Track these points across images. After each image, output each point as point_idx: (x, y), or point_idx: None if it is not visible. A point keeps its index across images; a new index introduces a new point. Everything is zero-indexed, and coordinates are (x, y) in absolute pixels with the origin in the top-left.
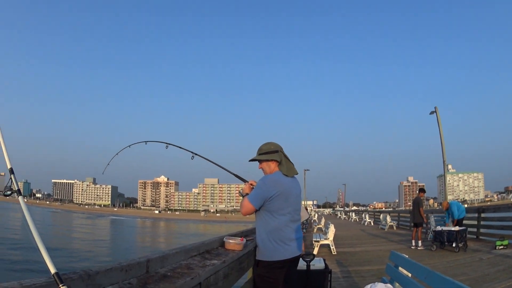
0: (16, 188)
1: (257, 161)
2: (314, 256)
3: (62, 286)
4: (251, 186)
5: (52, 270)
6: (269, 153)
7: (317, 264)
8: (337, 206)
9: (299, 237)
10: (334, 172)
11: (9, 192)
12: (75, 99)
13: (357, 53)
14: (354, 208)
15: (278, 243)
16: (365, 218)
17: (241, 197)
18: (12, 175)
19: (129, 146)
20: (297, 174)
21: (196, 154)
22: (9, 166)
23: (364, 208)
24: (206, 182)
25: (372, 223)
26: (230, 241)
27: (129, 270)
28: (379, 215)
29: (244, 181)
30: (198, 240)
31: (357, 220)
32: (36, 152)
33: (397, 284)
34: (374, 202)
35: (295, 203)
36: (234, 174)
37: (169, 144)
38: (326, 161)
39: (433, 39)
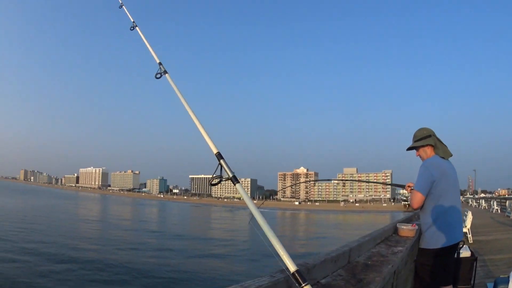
0: (231, 175)
1: (413, 149)
2: (464, 243)
3: (305, 285)
4: (410, 187)
5: (292, 268)
6: (423, 138)
7: (464, 251)
8: (467, 193)
9: (461, 222)
10: (463, 157)
11: (216, 181)
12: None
13: None
14: (482, 195)
15: (443, 229)
16: (493, 205)
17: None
18: (221, 160)
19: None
20: (451, 156)
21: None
22: (215, 151)
23: (490, 195)
24: (345, 172)
25: (499, 211)
26: (403, 227)
27: (337, 261)
28: (505, 202)
29: (401, 186)
30: (340, 231)
31: (486, 207)
32: (172, 149)
33: None
34: (499, 189)
35: (455, 186)
36: (390, 184)
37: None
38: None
39: None
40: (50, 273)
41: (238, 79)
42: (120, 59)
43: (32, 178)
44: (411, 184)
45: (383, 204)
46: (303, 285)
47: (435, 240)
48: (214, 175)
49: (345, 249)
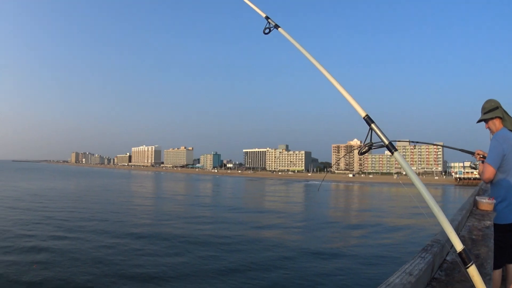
0: (386, 142)
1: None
2: None
3: (470, 265)
4: (479, 155)
5: (459, 247)
6: (492, 110)
7: None
8: None
9: None
10: None
11: (365, 149)
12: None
13: None
14: None
15: None
16: None
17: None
18: (373, 124)
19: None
20: None
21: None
22: (363, 114)
23: None
24: (397, 144)
25: None
26: (483, 201)
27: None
28: None
29: (471, 153)
30: (395, 203)
31: None
32: (225, 125)
33: None
34: None
35: None
36: (459, 149)
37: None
38: None
39: None
40: (111, 246)
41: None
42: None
43: (83, 160)
44: (480, 152)
45: (435, 177)
46: (469, 264)
47: (505, 215)
48: (364, 142)
49: (455, 223)
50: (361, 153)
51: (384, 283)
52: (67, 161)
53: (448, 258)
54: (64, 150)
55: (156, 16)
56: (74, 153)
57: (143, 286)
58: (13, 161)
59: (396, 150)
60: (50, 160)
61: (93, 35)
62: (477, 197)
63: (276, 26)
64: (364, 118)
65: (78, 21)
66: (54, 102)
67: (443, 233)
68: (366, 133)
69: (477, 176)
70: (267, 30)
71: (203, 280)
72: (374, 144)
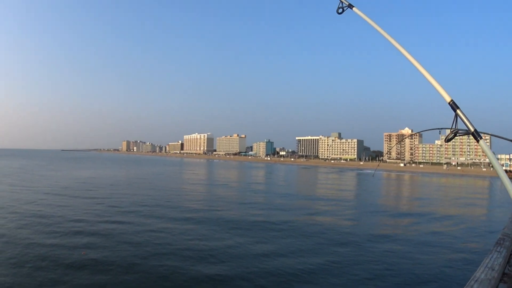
0: (472, 129)
1: None
2: None
3: None
4: None
5: None
6: None
7: None
8: None
9: None
10: None
11: (451, 136)
12: None
13: None
14: None
15: None
16: None
17: None
18: (458, 110)
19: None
20: None
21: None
22: (448, 99)
23: None
24: (447, 133)
25: None
26: None
27: None
28: None
29: None
30: (441, 193)
31: None
32: (279, 112)
33: None
34: None
35: None
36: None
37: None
38: None
39: None
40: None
41: None
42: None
43: (134, 148)
44: None
45: (483, 169)
46: None
47: None
48: (451, 128)
49: None
50: (447, 140)
51: (472, 278)
52: (118, 150)
53: None
54: (115, 139)
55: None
56: (125, 142)
57: (193, 268)
58: (62, 150)
59: (481, 138)
60: (100, 149)
61: (154, 24)
62: None
63: (350, 6)
64: (449, 103)
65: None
66: (105, 92)
67: (510, 225)
68: (452, 119)
69: None
70: (340, 10)
71: (250, 263)
72: (460, 131)
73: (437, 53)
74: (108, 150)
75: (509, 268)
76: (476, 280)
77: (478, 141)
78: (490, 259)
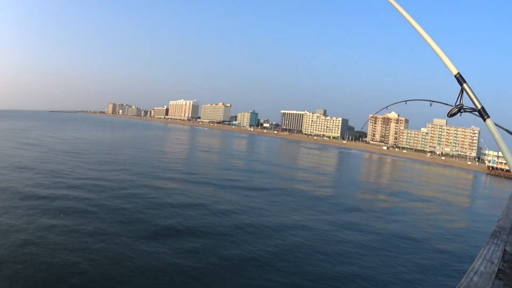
0: (479, 106)
1: None
2: None
3: None
4: None
5: None
6: None
7: None
8: None
9: None
10: None
11: (455, 111)
12: None
13: None
14: None
15: None
16: None
17: None
18: (465, 84)
19: (386, 107)
20: None
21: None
22: (455, 72)
23: None
24: (435, 123)
25: None
26: None
27: None
28: None
29: None
30: (423, 178)
31: None
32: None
33: None
34: None
35: None
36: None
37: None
38: None
39: None
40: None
41: None
42: None
43: (120, 111)
44: None
45: (468, 162)
46: None
47: None
48: (455, 103)
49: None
50: (450, 115)
51: (471, 269)
52: (103, 112)
53: (507, 248)
54: (101, 101)
55: None
56: (111, 104)
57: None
58: (50, 111)
59: (489, 116)
60: (87, 111)
61: None
62: None
63: None
64: (455, 76)
65: None
66: (93, 54)
67: (505, 218)
68: (458, 94)
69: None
70: None
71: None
72: (465, 107)
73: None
74: (94, 112)
75: (504, 264)
76: (476, 272)
77: (485, 120)
78: (488, 250)
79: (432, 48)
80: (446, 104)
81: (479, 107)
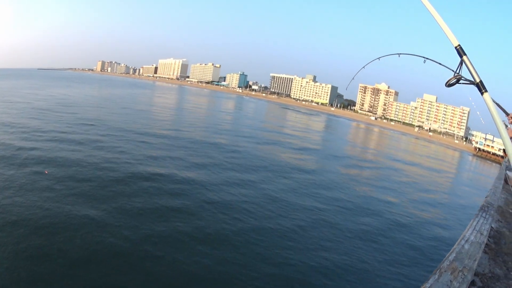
0: (477, 80)
1: None
2: None
3: None
4: None
5: None
6: None
7: None
8: None
9: None
10: None
11: (453, 81)
12: None
13: None
14: None
15: None
16: None
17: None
18: (465, 57)
19: (379, 58)
20: None
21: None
22: (455, 43)
23: None
24: (424, 98)
25: None
26: None
27: None
28: None
29: (506, 113)
30: (411, 146)
31: None
32: (254, 46)
33: None
34: None
35: None
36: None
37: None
38: None
39: None
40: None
41: None
42: None
43: (109, 69)
44: None
45: (455, 141)
46: None
47: None
48: (454, 73)
49: (498, 189)
50: (448, 85)
51: (462, 237)
52: (92, 70)
53: (493, 225)
54: (90, 59)
55: None
56: (100, 62)
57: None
58: (38, 69)
59: (486, 91)
60: (75, 68)
61: None
62: (508, 172)
63: None
64: (456, 47)
65: None
66: (80, 9)
67: (493, 195)
68: (457, 65)
69: (496, 151)
70: None
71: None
72: (463, 78)
73: None
74: (83, 69)
75: (489, 240)
76: (467, 241)
77: (482, 94)
78: (478, 222)
79: (433, 18)
80: (440, 64)
81: (478, 80)
